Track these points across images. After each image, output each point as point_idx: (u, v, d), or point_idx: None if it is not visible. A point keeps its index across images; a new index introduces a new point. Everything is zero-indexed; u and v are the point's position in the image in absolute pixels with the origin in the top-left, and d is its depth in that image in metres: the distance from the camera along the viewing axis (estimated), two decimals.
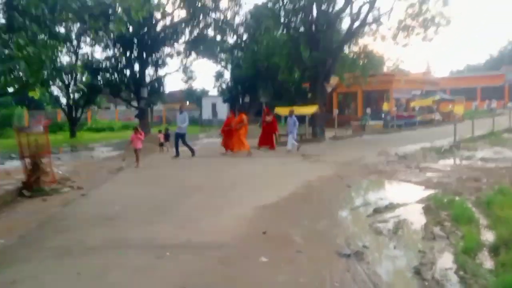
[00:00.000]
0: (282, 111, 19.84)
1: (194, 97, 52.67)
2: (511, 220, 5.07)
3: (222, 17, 23.07)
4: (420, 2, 21.23)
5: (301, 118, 20.45)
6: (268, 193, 7.83)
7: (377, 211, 6.40)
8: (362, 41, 22.90)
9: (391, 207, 6.62)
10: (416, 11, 21.44)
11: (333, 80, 20.49)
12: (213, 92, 47.97)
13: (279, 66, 22.86)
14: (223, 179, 9.84)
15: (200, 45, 27.23)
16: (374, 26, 22.66)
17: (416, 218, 6.01)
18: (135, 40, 26.65)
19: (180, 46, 28.64)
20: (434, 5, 20.40)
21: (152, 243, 5.16)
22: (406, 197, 7.34)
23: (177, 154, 14.10)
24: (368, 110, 25.06)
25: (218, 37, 25.43)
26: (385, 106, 35.09)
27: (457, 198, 6.82)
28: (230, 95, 43.65)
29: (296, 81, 23.28)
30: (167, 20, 26.50)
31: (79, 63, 25.97)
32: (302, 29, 19.80)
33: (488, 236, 5.01)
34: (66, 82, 27.09)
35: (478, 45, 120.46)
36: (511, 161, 11.39)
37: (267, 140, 16.38)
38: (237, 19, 24.40)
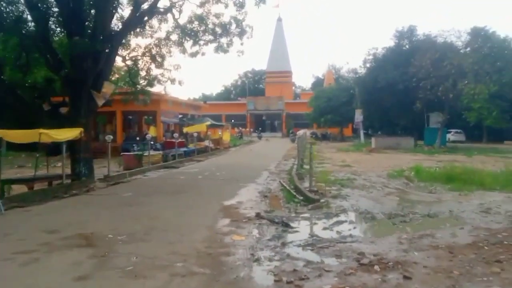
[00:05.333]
0: (14, 136, 10.69)
1: None
2: None
3: None
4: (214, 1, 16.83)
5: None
6: None
7: None
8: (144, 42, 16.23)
9: None
10: (206, 12, 16.96)
11: (107, 88, 12.81)
12: None
13: (4, 59, 13.13)
14: None
15: None
16: (156, 23, 16.78)
17: None
18: None
19: None
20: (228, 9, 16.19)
21: None
22: None
23: None
24: (149, 136, 18.31)
25: None
26: (152, 131, 28.98)
27: None
28: None
29: (40, 87, 13.89)
30: None
31: None
32: None
33: None
34: None
35: (213, 76, 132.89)
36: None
37: None
38: None
